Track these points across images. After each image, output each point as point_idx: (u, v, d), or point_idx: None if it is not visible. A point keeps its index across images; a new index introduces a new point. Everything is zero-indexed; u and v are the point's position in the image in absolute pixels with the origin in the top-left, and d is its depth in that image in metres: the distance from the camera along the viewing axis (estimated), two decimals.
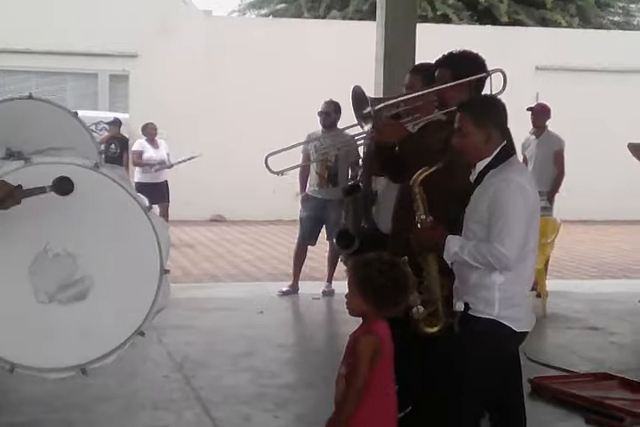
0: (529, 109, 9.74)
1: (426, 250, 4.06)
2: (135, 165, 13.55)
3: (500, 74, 4.80)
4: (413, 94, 4.92)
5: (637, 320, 8.75)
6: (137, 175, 13.34)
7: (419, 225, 4.08)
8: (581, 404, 5.63)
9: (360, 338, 3.58)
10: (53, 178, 3.54)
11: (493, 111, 4.02)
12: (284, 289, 9.49)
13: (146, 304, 3.76)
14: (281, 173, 5.12)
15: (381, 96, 7.35)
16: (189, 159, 13.69)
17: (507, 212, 3.81)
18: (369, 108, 4.74)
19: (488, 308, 3.88)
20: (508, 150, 4.06)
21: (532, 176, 4.12)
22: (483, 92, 4.70)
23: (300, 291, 9.52)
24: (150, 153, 13.49)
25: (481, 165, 3.99)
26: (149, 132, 13.70)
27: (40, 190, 3.52)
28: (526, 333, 4.01)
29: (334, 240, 7.11)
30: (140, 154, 13.54)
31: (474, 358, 3.91)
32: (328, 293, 9.41)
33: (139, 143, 13.74)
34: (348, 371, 3.59)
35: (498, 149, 3.98)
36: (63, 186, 3.53)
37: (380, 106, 4.80)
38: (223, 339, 7.61)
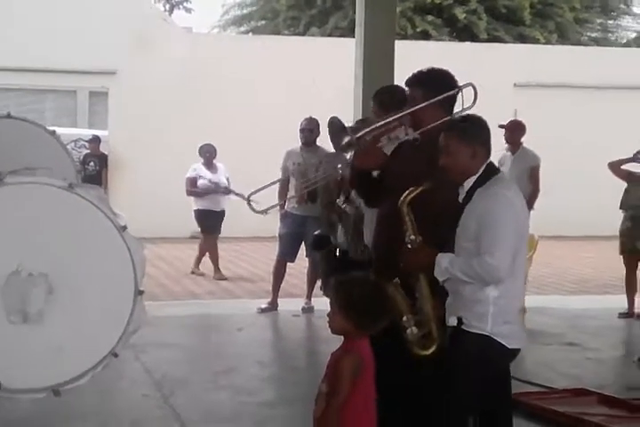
0: (501, 127, 9.66)
1: (417, 270, 4.08)
2: (189, 194, 12.16)
3: (470, 88, 4.82)
4: (390, 119, 4.90)
5: (614, 336, 8.80)
6: (194, 202, 12.13)
7: (409, 246, 4.08)
8: (560, 420, 5.64)
9: (341, 357, 3.59)
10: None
11: (477, 129, 4.08)
12: (264, 306, 9.47)
13: (120, 325, 3.74)
14: (264, 212, 4.98)
15: (359, 118, 7.37)
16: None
17: (496, 224, 3.84)
18: (348, 138, 4.71)
19: (481, 323, 3.89)
20: (494, 167, 4.11)
21: (519, 192, 4.13)
22: (455, 107, 4.74)
23: (279, 308, 9.50)
24: (206, 179, 12.07)
25: (468, 184, 4.03)
26: (205, 154, 12.22)
27: None
28: (518, 350, 4.03)
29: (311, 242, 7.14)
30: (193, 181, 12.06)
31: (465, 374, 3.92)
32: (307, 309, 9.40)
33: (193, 169, 12.22)
34: (328, 389, 3.60)
35: (484, 167, 4.03)
36: None
37: (360, 134, 4.77)
38: (202, 356, 7.59)
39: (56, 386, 3.69)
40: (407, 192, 4.12)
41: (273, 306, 9.49)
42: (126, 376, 6.70)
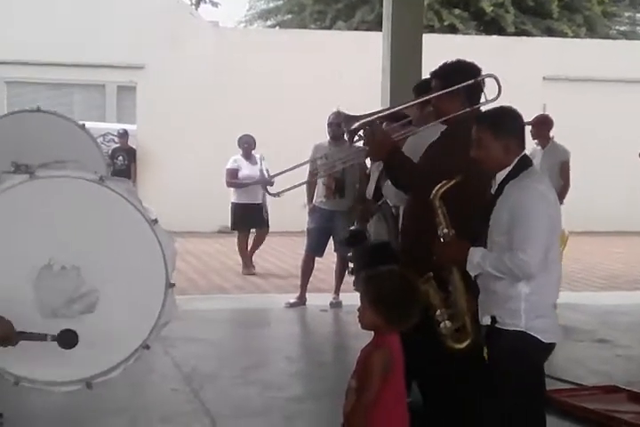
0: (527, 124, 9.52)
1: (450, 264, 4.04)
2: (229, 185, 12.03)
3: (496, 80, 4.78)
4: (394, 109, 4.95)
5: None
6: (232, 195, 12.01)
7: (441, 239, 4.05)
8: (590, 417, 5.60)
9: (371, 352, 3.57)
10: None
11: (510, 121, 4.04)
12: (292, 301, 9.47)
13: (151, 318, 3.74)
14: (278, 194, 5.07)
15: (382, 108, 7.31)
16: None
17: (528, 219, 3.79)
18: (356, 125, 4.78)
19: (515, 319, 3.85)
20: (527, 160, 4.06)
21: (551, 185, 4.08)
22: (481, 99, 4.72)
23: (307, 302, 9.49)
24: (246, 171, 11.93)
25: (501, 176, 3.98)
26: (243, 145, 12.09)
27: (40, 337, 3.46)
28: (554, 344, 3.99)
29: (346, 238, 7.13)
30: (234, 172, 11.95)
31: (501, 370, 3.88)
32: (336, 304, 9.39)
33: (233, 160, 12.12)
34: (358, 385, 3.58)
35: (517, 159, 3.98)
36: (67, 339, 3.47)
37: (355, 125, 4.80)
38: (231, 351, 7.60)
39: (88, 379, 3.70)
40: (439, 185, 4.09)
41: (301, 301, 9.48)
42: (156, 370, 6.72)
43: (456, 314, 4.03)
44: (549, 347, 3.97)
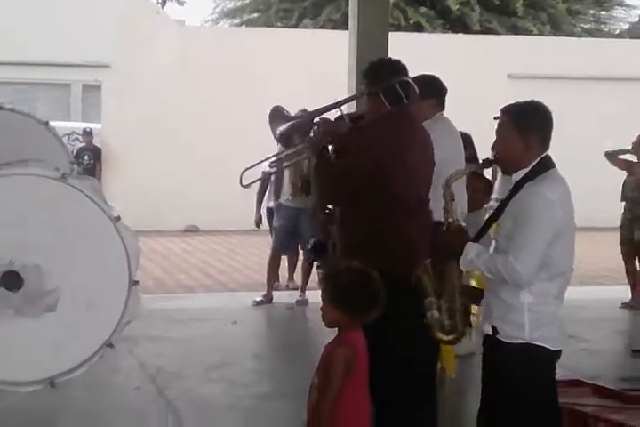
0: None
1: (448, 253, 3.85)
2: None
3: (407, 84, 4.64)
4: (321, 112, 5.00)
5: (609, 327, 8.80)
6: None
7: (444, 227, 3.89)
8: None
9: (333, 349, 3.58)
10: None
11: (533, 117, 3.81)
12: (258, 299, 9.46)
13: (114, 316, 3.73)
14: (248, 186, 5.15)
15: (353, 110, 7.35)
16: None
17: (528, 226, 3.60)
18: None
19: (518, 331, 3.66)
20: (548, 162, 3.80)
21: (568, 192, 3.80)
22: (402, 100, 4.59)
23: (273, 301, 9.49)
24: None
25: (517, 176, 3.77)
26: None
27: None
28: (561, 351, 3.76)
29: (309, 249, 7.12)
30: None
31: (514, 391, 3.67)
32: (302, 302, 9.39)
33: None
34: (320, 382, 3.59)
35: (537, 160, 3.76)
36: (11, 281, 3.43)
37: (283, 128, 5.08)
38: (197, 350, 7.57)
39: (52, 378, 3.68)
40: (454, 173, 3.97)
41: (267, 299, 9.47)
42: (120, 370, 6.68)
43: (447, 307, 3.87)
44: (558, 354, 3.74)
